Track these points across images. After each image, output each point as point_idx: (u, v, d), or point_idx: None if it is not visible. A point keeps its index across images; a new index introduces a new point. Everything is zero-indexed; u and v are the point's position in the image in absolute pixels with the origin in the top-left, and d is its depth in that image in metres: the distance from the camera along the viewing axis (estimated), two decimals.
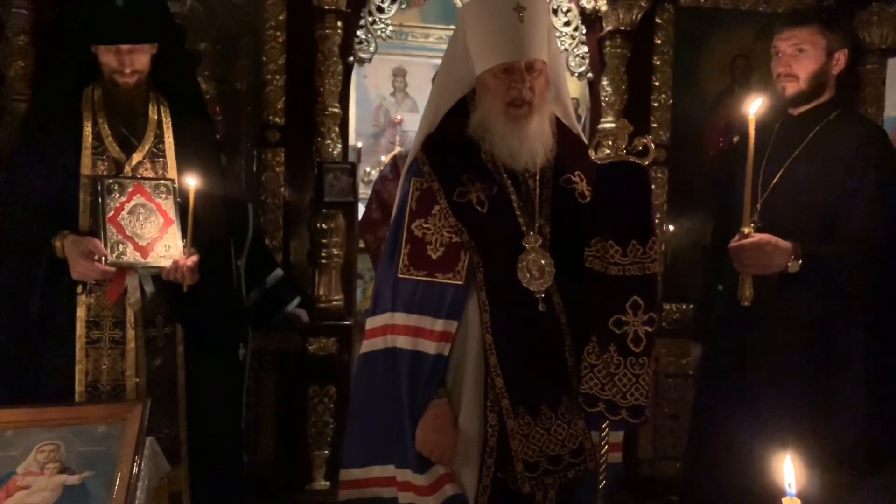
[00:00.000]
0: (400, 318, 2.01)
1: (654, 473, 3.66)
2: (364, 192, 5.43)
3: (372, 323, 2.08)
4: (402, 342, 2.00)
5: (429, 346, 1.97)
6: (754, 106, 2.08)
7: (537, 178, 2.05)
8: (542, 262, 1.99)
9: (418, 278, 2.00)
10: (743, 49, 3.65)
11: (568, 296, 2.00)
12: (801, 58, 2.45)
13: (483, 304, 1.98)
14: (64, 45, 2.57)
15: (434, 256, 1.99)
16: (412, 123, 7.04)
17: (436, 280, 1.98)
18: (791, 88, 2.47)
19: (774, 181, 2.48)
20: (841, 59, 2.48)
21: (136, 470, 1.90)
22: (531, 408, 1.97)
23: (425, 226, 2.02)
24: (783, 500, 1.04)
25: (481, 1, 2.05)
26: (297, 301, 3.14)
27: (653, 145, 1.90)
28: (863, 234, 2.32)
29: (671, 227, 3.68)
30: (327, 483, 3.29)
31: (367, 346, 2.09)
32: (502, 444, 1.99)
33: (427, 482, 1.98)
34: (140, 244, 2.35)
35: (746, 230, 2.20)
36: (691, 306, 3.50)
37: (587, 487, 2.04)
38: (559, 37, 3.51)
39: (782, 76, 2.48)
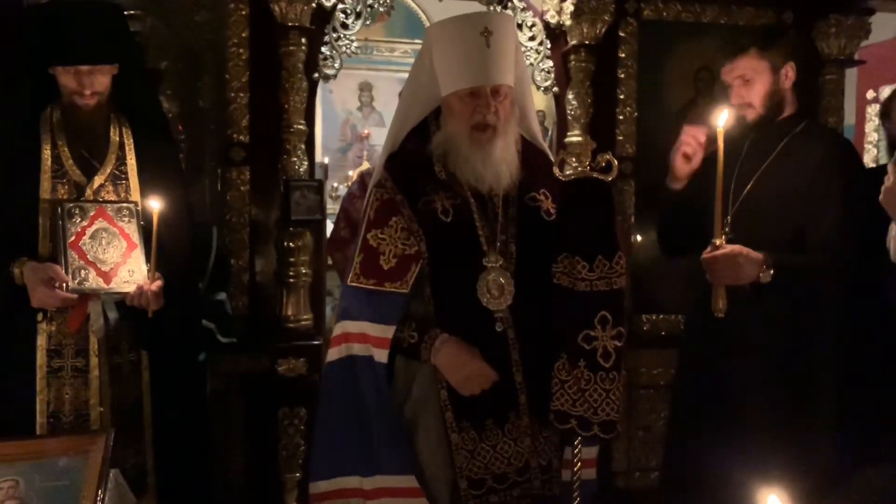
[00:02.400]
0: (352, 326, 2.03)
1: (628, 485, 3.67)
2: (331, 207, 5.40)
3: (334, 332, 2.10)
4: (358, 349, 2.02)
5: (378, 354, 1.98)
6: (722, 118, 2.11)
7: (501, 197, 2.06)
8: (503, 281, 2.00)
9: (368, 287, 2.01)
10: (706, 61, 3.67)
11: (521, 312, 2.00)
12: (749, 86, 2.50)
13: (431, 315, 2.00)
14: (21, 66, 2.50)
15: (385, 267, 2.01)
16: (379, 138, 7.04)
17: (384, 289, 2.00)
18: (750, 115, 2.53)
19: (744, 193, 2.51)
20: (789, 72, 2.52)
21: None
22: (476, 423, 1.98)
23: (381, 236, 2.03)
24: None
25: (449, 24, 2.05)
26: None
27: (616, 162, 1.91)
28: (831, 243, 2.36)
29: (639, 238, 3.70)
30: None
31: (329, 354, 2.11)
32: None
33: (405, 484, 1.98)
34: (102, 270, 2.29)
35: (718, 242, 2.22)
36: (661, 317, 3.53)
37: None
38: (524, 51, 3.53)
39: (739, 106, 2.53)
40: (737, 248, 2.24)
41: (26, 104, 2.42)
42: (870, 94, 5.05)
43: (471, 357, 1.94)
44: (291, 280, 3.25)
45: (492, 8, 3.44)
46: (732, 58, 2.52)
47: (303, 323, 3.28)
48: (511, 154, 2.04)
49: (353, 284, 2.04)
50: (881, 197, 1.67)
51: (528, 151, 2.14)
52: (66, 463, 1.94)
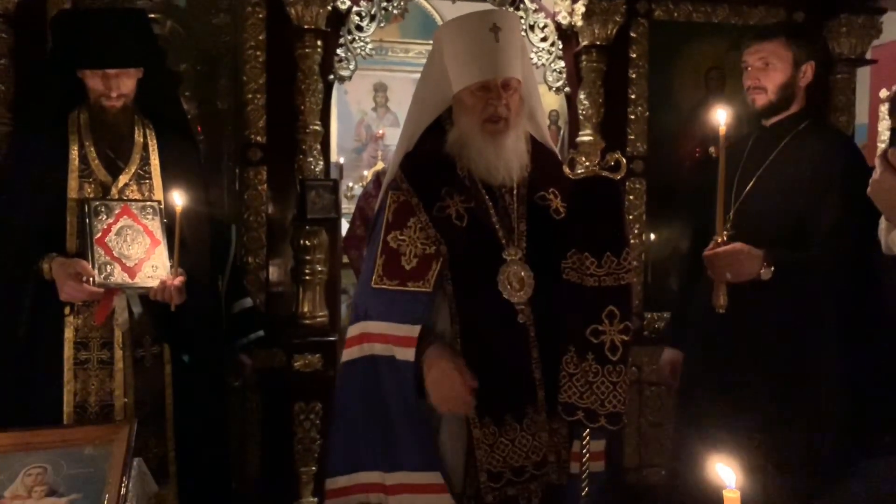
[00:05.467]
0: (373, 327, 2.05)
1: (639, 481, 3.69)
2: (347, 207, 5.47)
3: (350, 332, 2.13)
4: (380, 349, 2.04)
5: (405, 353, 1.99)
6: (722, 116, 2.15)
7: (514, 193, 2.10)
8: (523, 273, 2.04)
9: (391, 288, 2.04)
10: (716, 61, 3.72)
11: (539, 310, 2.04)
12: (768, 71, 2.53)
13: (454, 314, 2.03)
14: (49, 70, 2.58)
15: (407, 267, 2.04)
16: (394, 138, 7.09)
17: (407, 289, 2.03)
18: (760, 100, 2.56)
19: (746, 190, 2.55)
20: (808, 71, 2.55)
21: (123, 491, 1.91)
22: (496, 418, 2.01)
23: (400, 238, 2.07)
24: (724, 492, 1.07)
25: (458, 21, 2.10)
26: (258, 334, 3.08)
27: (624, 160, 1.95)
28: (831, 241, 2.39)
29: (652, 236, 3.73)
30: (315, 499, 3.30)
31: (346, 355, 2.14)
32: None
33: (426, 480, 2.01)
34: (127, 265, 2.37)
35: (720, 238, 2.26)
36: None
37: (570, 495, 2.07)
38: (537, 52, 3.57)
39: (751, 89, 2.57)
40: (738, 245, 2.28)
41: (55, 107, 2.49)
42: (883, 93, 5.05)
43: (457, 380, 1.93)
44: (307, 278, 3.31)
45: (503, 8, 3.49)
46: (761, 40, 2.57)
47: (318, 319, 3.33)
48: (522, 147, 2.08)
49: (377, 286, 2.05)
50: (869, 189, 1.70)
51: (538, 151, 2.18)
52: (91, 451, 2.01)
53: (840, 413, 2.42)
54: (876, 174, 1.67)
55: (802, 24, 3.64)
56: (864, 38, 3.70)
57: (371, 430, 2.08)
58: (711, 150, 3.44)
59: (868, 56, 3.79)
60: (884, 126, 5.07)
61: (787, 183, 2.48)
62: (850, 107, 3.76)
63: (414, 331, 1.98)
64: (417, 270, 2.03)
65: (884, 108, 5.04)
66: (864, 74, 4.06)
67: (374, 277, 2.07)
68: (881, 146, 5.04)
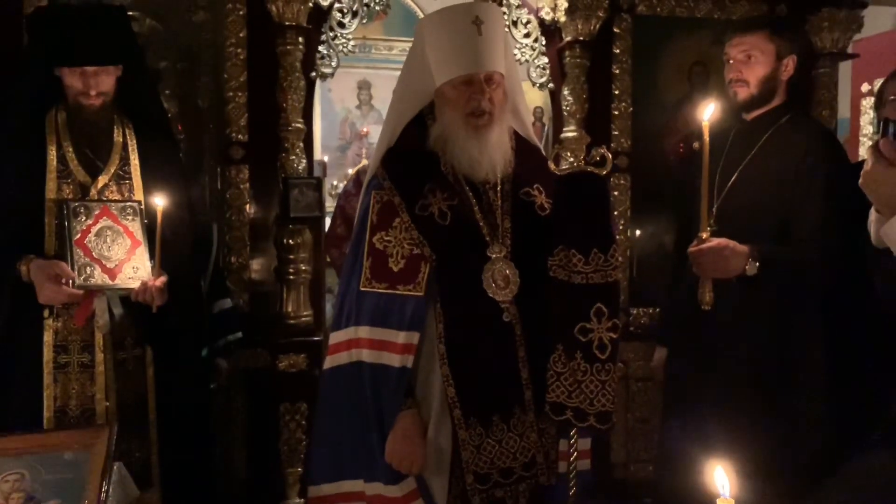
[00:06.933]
0: (364, 332, 2.02)
1: (626, 476, 3.70)
2: (330, 205, 5.42)
3: (336, 338, 2.09)
4: (367, 356, 2.01)
5: (393, 359, 1.98)
6: (708, 111, 2.14)
7: (498, 189, 2.08)
8: (507, 272, 2.01)
9: (380, 291, 2.02)
10: (700, 56, 3.72)
11: (525, 308, 2.02)
12: (750, 63, 2.52)
13: (438, 314, 2.00)
14: (26, 68, 2.54)
15: (395, 269, 2.01)
16: (378, 136, 7.07)
17: (397, 292, 2.00)
18: (742, 93, 2.55)
19: (728, 184, 2.54)
20: (790, 64, 2.55)
21: (103, 497, 1.88)
22: (483, 419, 1.99)
23: (386, 238, 2.04)
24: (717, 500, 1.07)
25: (440, 14, 2.07)
26: (236, 336, 3.05)
27: (610, 155, 1.94)
28: (816, 236, 2.38)
29: (638, 232, 3.73)
30: (301, 500, 3.27)
31: (331, 360, 2.10)
32: None
33: (400, 493, 2.00)
34: (108, 266, 2.34)
35: (704, 235, 2.26)
36: (658, 310, 3.56)
37: (558, 495, 2.06)
38: (520, 48, 3.56)
39: (733, 82, 2.56)
40: (723, 241, 2.27)
41: (32, 105, 2.45)
42: (864, 88, 5.06)
43: (417, 447, 1.97)
44: (291, 277, 3.28)
45: (486, 1, 3.47)
46: (743, 32, 2.55)
47: (303, 319, 3.31)
48: (505, 142, 2.06)
49: (366, 289, 2.02)
50: (860, 181, 1.69)
51: (521, 146, 2.15)
52: (70, 456, 1.97)
53: (828, 407, 2.42)
54: (868, 165, 1.66)
55: (788, 16, 3.64)
56: (846, 33, 3.72)
57: (356, 438, 2.06)
58: (695, 145, 3.44)
59: (851, 50, 3.80)
60: (865, 120, 5.09)
61: (771, 177, 2.48)
62: (832, 101, 3.79)
63: (412, 337, 1.96)
64: (406, 272, 2.00)
65: (865, 103, 5.05)
66: (845, 69, 4.07)
67: (361, 280, 2.04)
68: (863, 140, 5.06)
